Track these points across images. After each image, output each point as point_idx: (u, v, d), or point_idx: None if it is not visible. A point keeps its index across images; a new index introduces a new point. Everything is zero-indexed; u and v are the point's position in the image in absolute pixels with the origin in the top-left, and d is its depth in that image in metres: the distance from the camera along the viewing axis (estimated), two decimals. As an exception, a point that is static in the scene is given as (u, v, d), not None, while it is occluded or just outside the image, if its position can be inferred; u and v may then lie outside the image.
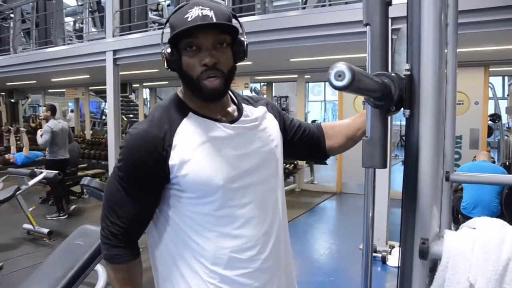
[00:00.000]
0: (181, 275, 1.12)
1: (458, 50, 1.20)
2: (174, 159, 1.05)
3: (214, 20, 1.01)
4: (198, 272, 1.10)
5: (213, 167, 1.06)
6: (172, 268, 1.14)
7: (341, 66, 0.59)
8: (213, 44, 1.04)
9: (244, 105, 1.22)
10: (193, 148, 1.06)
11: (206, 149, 1.07)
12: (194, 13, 1.01)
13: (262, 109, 1.24)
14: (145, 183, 1.07)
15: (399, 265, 0.86)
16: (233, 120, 1.15)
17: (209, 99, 1.08)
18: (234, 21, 1.10)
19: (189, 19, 1.01)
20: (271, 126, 1.23)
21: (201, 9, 1.02)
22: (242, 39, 1.11)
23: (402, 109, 0.87)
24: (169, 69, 1.09)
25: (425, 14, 0.82)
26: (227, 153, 1.09)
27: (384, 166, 0.82)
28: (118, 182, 1.09)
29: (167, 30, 1.12)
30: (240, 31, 1.11)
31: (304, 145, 1.35)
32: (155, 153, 1.05)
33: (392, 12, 0.87)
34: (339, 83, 0.59)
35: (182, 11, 1.04)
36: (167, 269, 1.15)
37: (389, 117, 0.88)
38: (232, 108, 1.18)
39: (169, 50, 1.07)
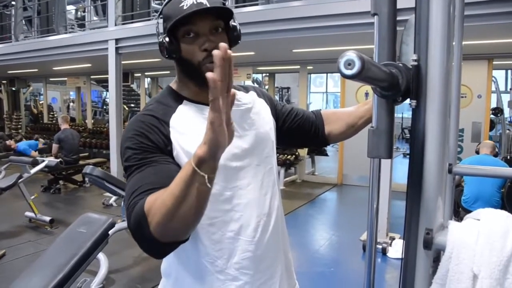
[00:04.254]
0: (185, 270, 1.14)
1: (463, 42, 1.20)
2: (174, 140, 1.06)
3: (208, 6, 1.04)
4: (204, 264, 1.10)
5: None
6: (176, 262, 1.15)
7: (351, 55, 0.59)
8: (210, 29, 1.07)
9: (235, 91, 1.22)
10: (190, 129, 1.07)
11: (199, 135, 1.06)
12: (189, 1, 1.04)
13: (253, 94, 1.27)
14: (157, 154, 1.02)
15: (403, 255, 0.87)
16: None
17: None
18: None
19: (184, 7, 1.03)
20: (264, 110, 1.26)
21: None
22: (234, 23, 1.14)
23: (408, 99, 0.87)
24: (167, 57, 1.10)
25: (434, 4, 0.82)
26: None
27: (390, 157, 0.82)
28: (130, 174, 1.00)
29: (161, 21, 1.13)
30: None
31: (298, 129, 1.35)
32: (156, 132, 1.05)
33: (399, 3, 0.86)
34: (348, 72, 0.59)
35: (175, 1, 1.07)
36: (172, 265, 1.17)
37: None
38: None
39: (167, 39, 1.08)
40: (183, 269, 1.14)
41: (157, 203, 0.86)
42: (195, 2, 1.04)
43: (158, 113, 1.08)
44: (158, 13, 1.12)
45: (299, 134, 1.37)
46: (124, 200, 1.00)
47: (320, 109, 1.44)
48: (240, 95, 1.22)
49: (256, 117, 1.21)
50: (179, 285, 1.16)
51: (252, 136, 1.17)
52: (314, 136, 1.37)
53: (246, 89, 1.29)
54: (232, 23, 1.14)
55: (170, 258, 1.17)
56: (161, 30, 1.13)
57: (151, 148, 1.02)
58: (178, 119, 1.09)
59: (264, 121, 1.23)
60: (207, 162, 0.82)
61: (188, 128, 1.08)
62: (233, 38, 1.14)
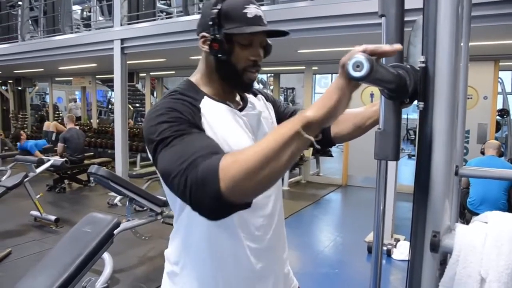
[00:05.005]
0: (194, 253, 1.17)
1: (469, 43, 1.19)
2: (205, 127, 1.06)
3: (265, 22, 1.15)
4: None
5: (229, 149, 1.07)
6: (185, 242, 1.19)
7: (360, 57, 0.59)
8: (261, 44, 1.17)
9: (246, 94, 1.30)
10: (214, 125, 1.09)
11: (224, 129, 1.11)
12: (252, 10, 1.11)
13: (261, 98, 1.34)
14: (195, 126, 1.00)
15: (409, 258, 0.86)
16: (241, 108, 1.23)
17: (246, 88, 1.21)
18: None
19: (248, 16, 1.10)
20: (271, 114, 1.34)
21: (256, 8, 1.13)
22: (270, 41, 1.22)
23: (415, 101, 0.87)
24: (213, 54, 1.12)
25: (442, 6, 0.81)
26: (240, 136, 1.15)
27: (397, 159, 0.81)
28: (168, 144, 0.93)
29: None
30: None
31: None
32: (190, 111, 1.04)
33: (406, 3, 0.86)
34: (357, 74, 0.59)
35: (237, 3, 1.11)
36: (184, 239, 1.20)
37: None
38: (238, 97, 1.27)
39: (223, 38, 1.10)
40: (193, 257, 1.18)
41: (242, 156, 0.81)
42: (257, 15, 1.12)
43: (188, 99, 1.08)
44: (214, 3, 1.11)
45: None
46: (167, 172, 0.90)
47: None
48: (251, 98, 1.29)
49: (265, 121, 1.27)
50: (187, 273, 1.19)
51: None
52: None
53: (254, 93, 1.34)
54: (269, 41, 1.21)
55: (176, 244, 1.22)
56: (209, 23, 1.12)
57: (187, 121, 0.98)
58: (205, 109, 1.10)
59: (272, 125, 1.29)
60: (317, 127, 0.79)
61: (216, 120, 1.09)
62: (266, 53, 1.22)
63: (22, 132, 8.79)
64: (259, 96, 1.34)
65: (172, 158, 0.89)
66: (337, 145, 1.48)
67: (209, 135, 1.01)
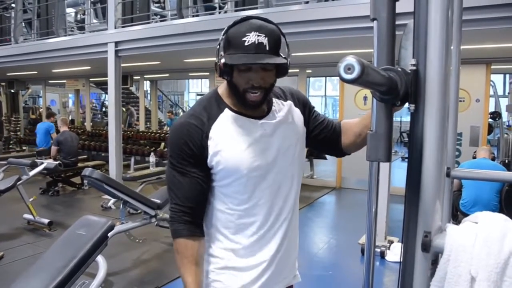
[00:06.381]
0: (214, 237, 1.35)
1: (461, 47, 1.21)
2: (210, 149, 1.24)
3: (267, 49, 1.17)
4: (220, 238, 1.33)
5: (239, 158, 1.24)
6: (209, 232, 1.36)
7: (351, 59, 0.60)
8: (262, 68, 1.20)
9: (274, 100, 1.36)
10: (225, 141, 1.25)
11: (235, 142, 1.26)
12: (251, 38, 1.15)
13: (289, 104, 1.38)
14: (192, 164, 1.25)
15: (401, 258, 0.87)
16: (262, 115, 1.31)
17: (249, 108, 1.26)
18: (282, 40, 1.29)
19: (245, 44, 1.15)
20: (295, 120, 1.38)
21: (258, 36, 1.16)
22: (286, 61, 1.26)
23: (407, 104, 0.88)
24: (220, 77, 1.24)
25: (432, 9, 0.83)
26: (253, 146, 1.26)
27: (388, 160, 0.83)
28: (172, 168, 1.28)
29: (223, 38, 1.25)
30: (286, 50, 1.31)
31: (322, 139, 1.44)
32: (196, 140, 1.24)
33: (397, 7, 0.87)
34: (348, 76, 0.60)
35: (240, 30, 1.18)
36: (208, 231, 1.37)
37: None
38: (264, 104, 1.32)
39: (223, 61, 1.19)
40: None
41: (179, 255, 1.27)
42: (256, 42, 1.15)
43: (202, 121, 1.26)
44: (224, 31, 1.22)
45: (322, 143, 1.46)
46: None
47: (341, 121, 1.49)
48: (276, 106, 1.35)
49: (286, 128, 1.33)
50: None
51: (278, 148, 1.30)
52: (336, 148, 1.46)
53: (285, 96, 1.40)
54: (285, 62, 1.26)
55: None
56: (221, 47, 1.24)
57: (187, 156, 1.25)
58: (217, 129, 1.25)
59: (293, 132, 1.35)
60: None
61: (224, 138, 1.25)
62: (280, 73, 1.28)
63: (54, 116, 9.03)
64: (288, 101, 1.39)
65: (170, 186, 1.30)
66: (350, 154, 1.51)
67: (213, 152, 1.24)
